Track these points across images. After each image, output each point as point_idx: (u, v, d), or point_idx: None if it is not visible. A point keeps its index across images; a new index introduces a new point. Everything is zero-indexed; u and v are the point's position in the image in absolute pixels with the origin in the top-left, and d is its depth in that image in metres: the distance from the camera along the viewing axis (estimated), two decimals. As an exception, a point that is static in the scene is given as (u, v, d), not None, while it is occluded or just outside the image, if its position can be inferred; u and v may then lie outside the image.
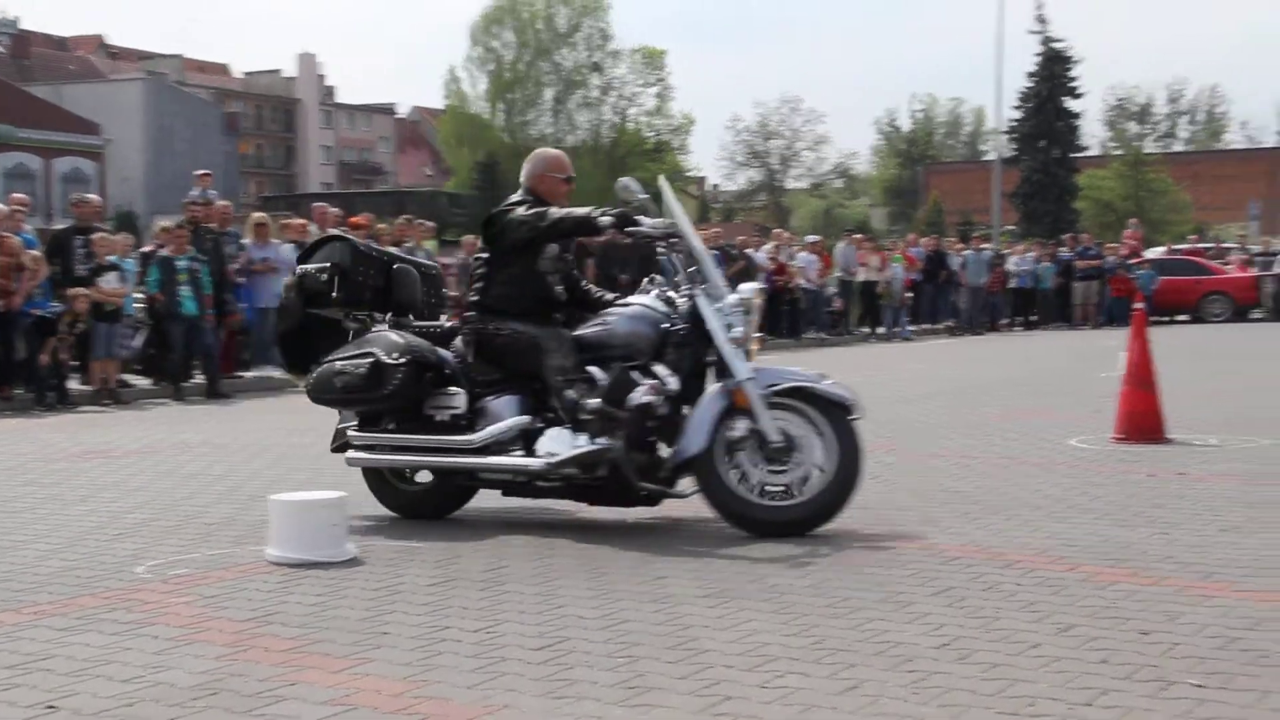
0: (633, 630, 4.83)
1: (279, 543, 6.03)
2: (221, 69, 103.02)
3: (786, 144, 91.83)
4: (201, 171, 18.71)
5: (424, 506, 7.21)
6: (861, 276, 26.51)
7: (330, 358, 7.14)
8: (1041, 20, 61.09)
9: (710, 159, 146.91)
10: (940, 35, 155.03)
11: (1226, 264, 32.69)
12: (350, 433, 7.22)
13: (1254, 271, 31.87)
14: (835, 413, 6.57)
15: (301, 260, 7.55)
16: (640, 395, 6.49)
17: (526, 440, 6.74)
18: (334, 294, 7.24)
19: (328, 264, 7.26)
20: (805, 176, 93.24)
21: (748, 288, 6.89)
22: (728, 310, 6.68)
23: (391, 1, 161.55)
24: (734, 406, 6.52)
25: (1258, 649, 4.46)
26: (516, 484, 6.89)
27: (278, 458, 9.80)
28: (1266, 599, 5.12)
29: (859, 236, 28.91)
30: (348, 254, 7.30)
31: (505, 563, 5.98)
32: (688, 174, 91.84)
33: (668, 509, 7.07)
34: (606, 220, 6.79)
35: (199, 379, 15.52)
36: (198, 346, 15.40)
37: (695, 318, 6.74)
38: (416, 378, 6.84)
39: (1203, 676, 4.16)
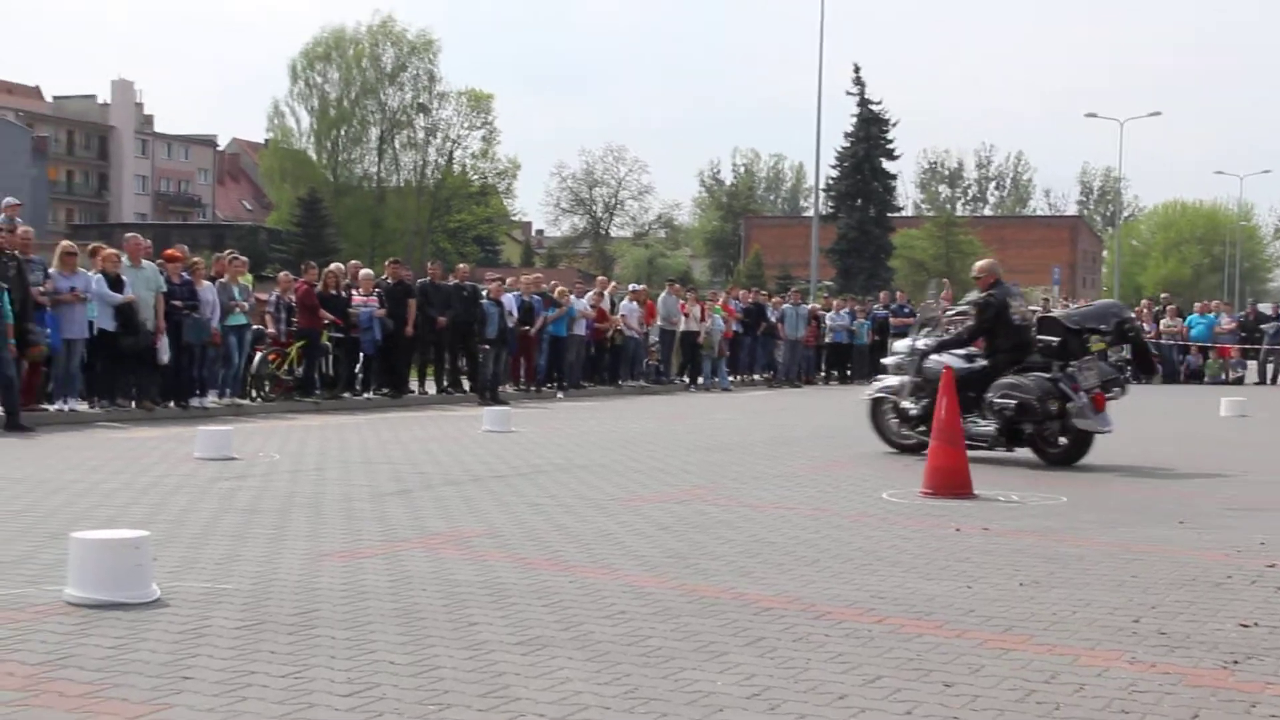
0: (444, 677, 4.78)
1: (79, 582, 5.81)
2: (32, 92, 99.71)
3: (611, 192, 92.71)
4: (11, 200, 18.03)
5: None
6: (683, 326, 26.81)
7: None
8: (859, 82, 62.98)
9: (535, 204, 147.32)
10: (764, 91, 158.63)
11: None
12: None
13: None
14: None
15: None
16: None
17: None
18: None
19: None
20: (629, 225, 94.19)
21: None
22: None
23: (214, 30, 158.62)
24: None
25: (1053, 700, 4.62)
26: None
27: (79, 494, 9.46)
28: (1063, 652, 5.30)
29: (680, 286, 29.27)
30: None
31: (317, 606, 5.87)
32: (513, 218, 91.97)
33: (479, 551, 7.02)
34: None
35: (-3, 411, 14.90)
36: (-3, 377, 14.78)
37: None
38: None
39: (1002, 726, 4.29)
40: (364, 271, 21.45)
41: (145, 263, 17.26)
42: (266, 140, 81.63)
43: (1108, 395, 12.40)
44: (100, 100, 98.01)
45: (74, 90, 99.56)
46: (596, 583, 6.51)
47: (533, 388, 23.36)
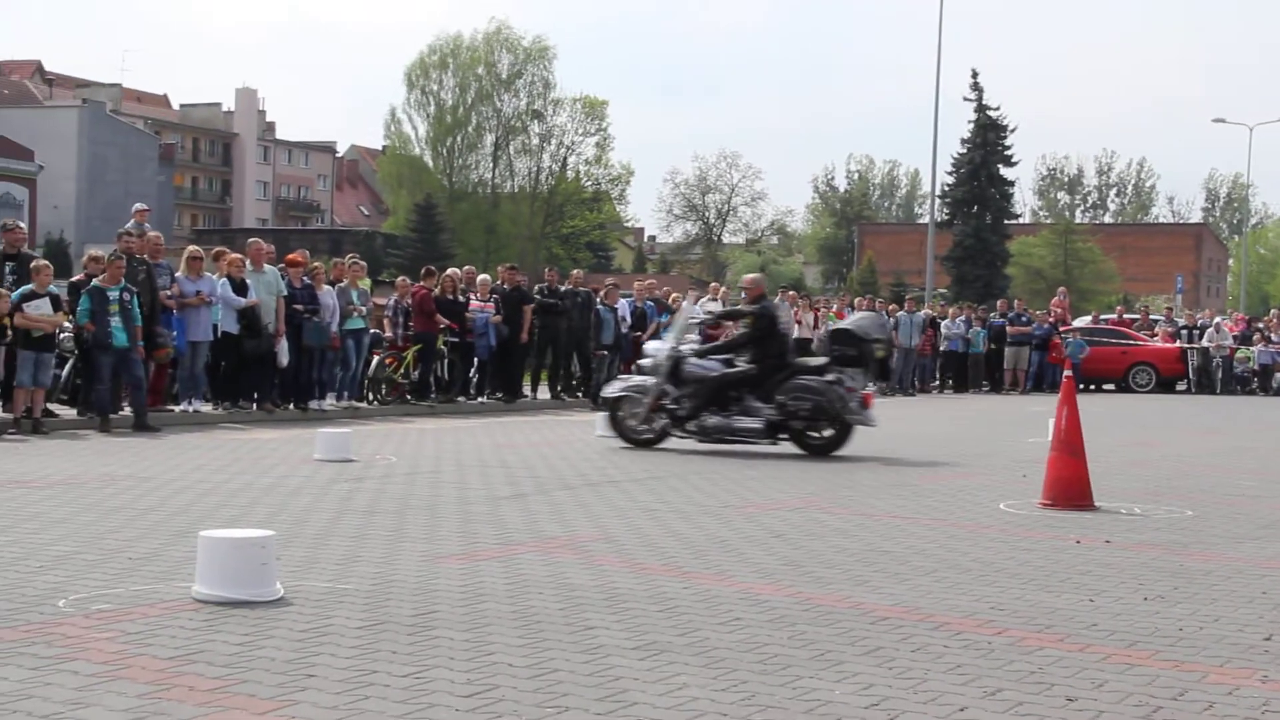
0: (562, 680, 4.81)
1: (206, 580, 5.95)
2: (160, 100, 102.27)
3: (724, 199, 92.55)
4: (140, 206, 18.52)
5: None
6: (796, 334, 26.64)
7: None
8: (976, 88, 62.21)
9: (648, 211, 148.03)
10: (879, 98, 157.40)
11: (1153, 335, 33.27)
12: None
13: (1180, 344, 32.44)
14: None
15: None
16: None
17: None
18: None
19: None
20: (741, 232, 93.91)
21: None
22: None
23: (335, 40, 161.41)
24: None
25: (1181, 719, 4.52)
26: None
27: (204, 493, 9.67)
28: (1191, 669, 5.18)
29: (794, 293, 29.10)
30: None
31: (435, 607, 5.93)
32: (625, 224, 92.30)
33: (595, 555, 7.07)
34: None
35: (127, 411, 15.31)
36: (127, 378, 15.20)
37: None
38: None
39: (1128, 743, 4.20)
40: (481, 277, 21.65)
41: (267, 267, 17.61)
42: (384, 147, 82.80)
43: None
44: (224, 108, 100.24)
45: (200, 98, 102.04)
46: (712, 589, 6.50)
47: (645, 393, 23.39)
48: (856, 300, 30.16)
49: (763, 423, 13.74)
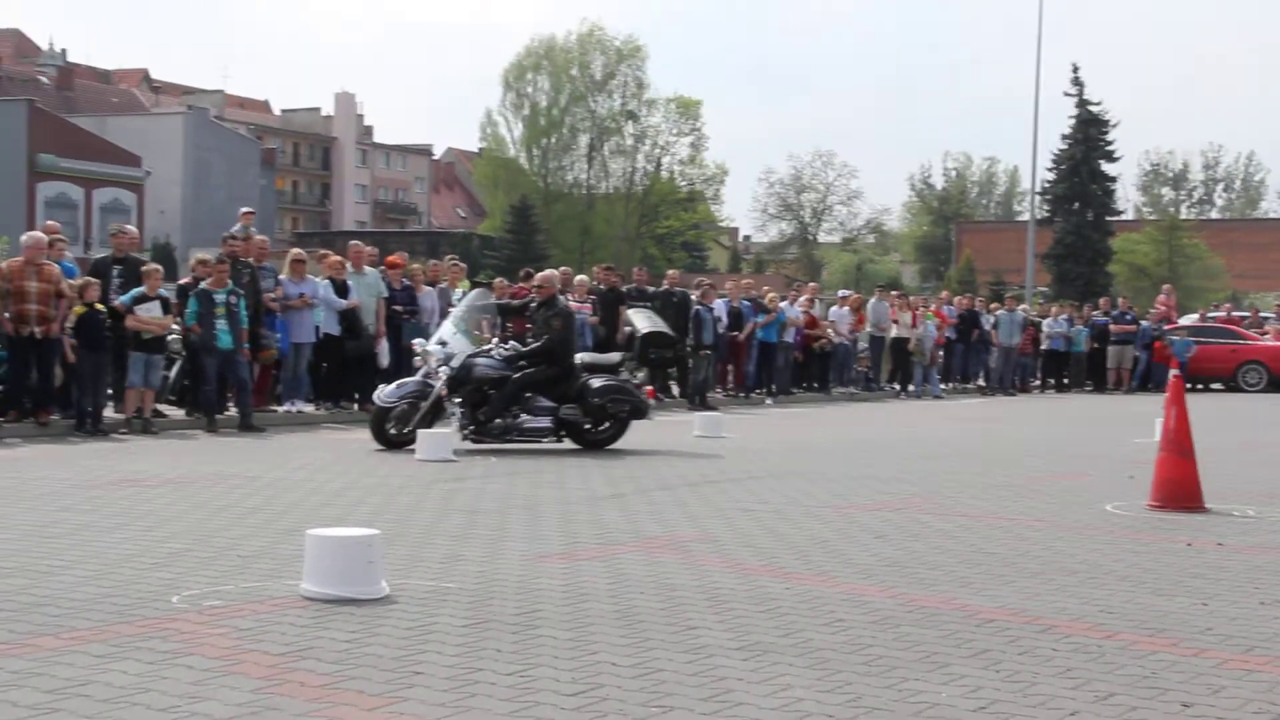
0: (666, 680, 4.81)
1: (314, 577, 6.03)
2: (261, 106, 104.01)
3: (819, 198, 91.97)
4: (246, 209, 18.87)
5: None
6: (893, 333, 26.47)
7: None
8: (1077, 83, 61.24)
9: (743, 210, 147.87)
10: (977, 94, 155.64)
11: (1263, 333, 32.50)
12: None
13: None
14: None
15: None
16: None
17: None
18: None
19: None
20: (837, 231, 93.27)
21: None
22: None
23: (430, 44, 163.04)
24: None
25: (1301, 724, 4.42)
26: None
27: (309, 492, 9.82)
28: (1308, 674, 5.06)
29: (892, 293, 28.88)
30: None
31: (538, 606, 5.97)
32: (720, 224, 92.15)
33: (696, 555, 7.06)
34: None
35: (232, 411, 15.59)
36: (232, 379, 15.48)
37: None
38: None
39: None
40: (578, 278, 21.75)
41: (368, 269, 17.84)
42: (480, 149, 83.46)
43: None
44: (324, 113, 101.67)
45: (300, 103, 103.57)
46: (814, 590, 6.47)
47: (741, 394, 23.36)
48: (957, 300, 29.82)
49: (550, 421, 13.66)
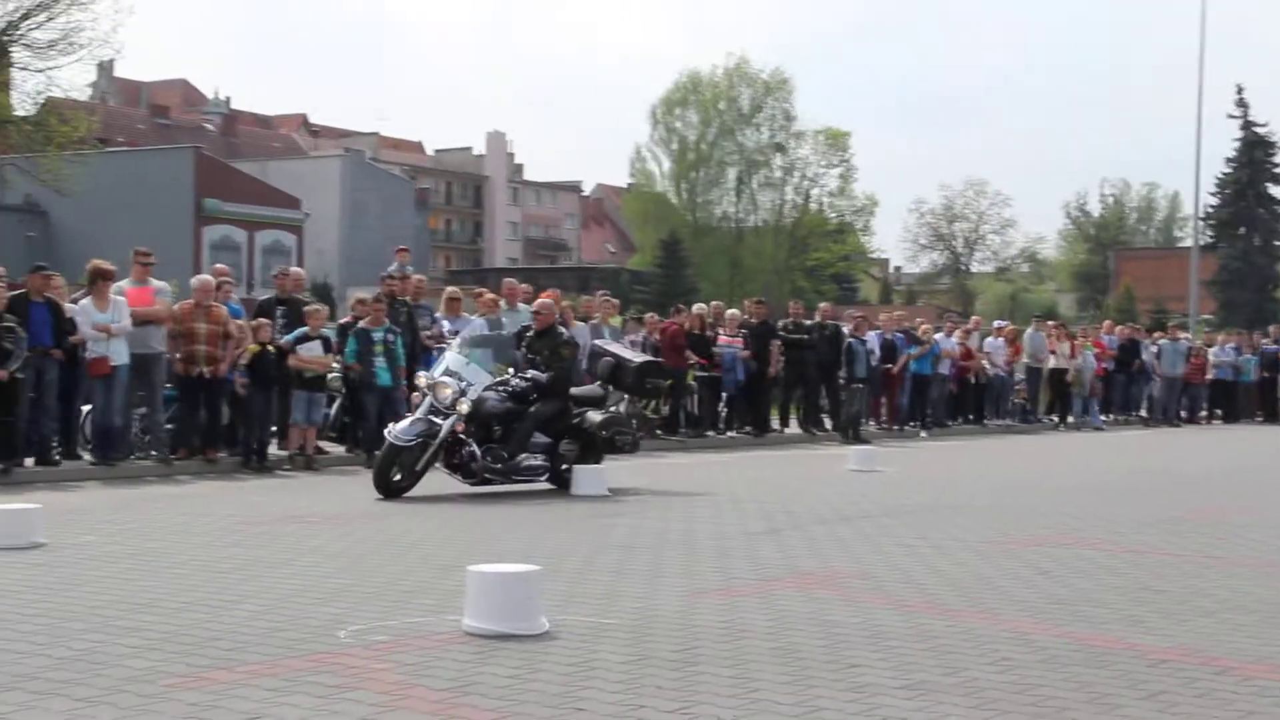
0: (829, 719, 4.75)
1: (476, 613, 6.10)
2: (415, 146, 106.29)
3: (971, 227, 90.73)
4: (401, 247, 19.28)
5: None
6: (1050, 364, 25.94)
7: None
8: (1242, 104, 59.62)
9: (893, 241, 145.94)
10: (1134, 119, 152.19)
11: None
12: None
13: None
14: None
15: None
16: None
17: None
18: None
19: None
20: (990, 260, 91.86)
21: None
22: None
23: (577, 82, 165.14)
24: None
25: None
26: None
27: (465, 527, 9.95)
28: None
29: (1050, 323, 28.29)
30: None
31: (698, 643, 5.95)
32: (870, 255, 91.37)
33: (855, 592, 6.98)
34: None
35: (390, 447, 15.86)
36: (391, 417, 15.74)
37: None
38: None
39: None
40: (730, 312, 21.74)
41: (521, 306, 18.05)
42: (629, 184, 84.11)
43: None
44: (475, 152, 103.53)
45: (451, 143, 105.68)
46: (977, 628, 6.35)
47: (895, 426, 23.08)
48: (1118, 329, 29.10)
49: (544, 459, 12.60)
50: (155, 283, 15.18)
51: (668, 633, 6.18)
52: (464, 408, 12.03)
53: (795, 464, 16.78)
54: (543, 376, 12.68)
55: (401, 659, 5.60)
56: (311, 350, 15.21)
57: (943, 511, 11.27)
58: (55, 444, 14.19)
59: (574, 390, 13.22)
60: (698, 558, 8.56)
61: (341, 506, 11.39)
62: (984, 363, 24.81)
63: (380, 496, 11.81)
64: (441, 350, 13.29)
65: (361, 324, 15.69)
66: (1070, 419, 26.06)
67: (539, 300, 14.36)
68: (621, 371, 13.37)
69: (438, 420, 12.12)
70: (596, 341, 15.80)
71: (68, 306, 14.23)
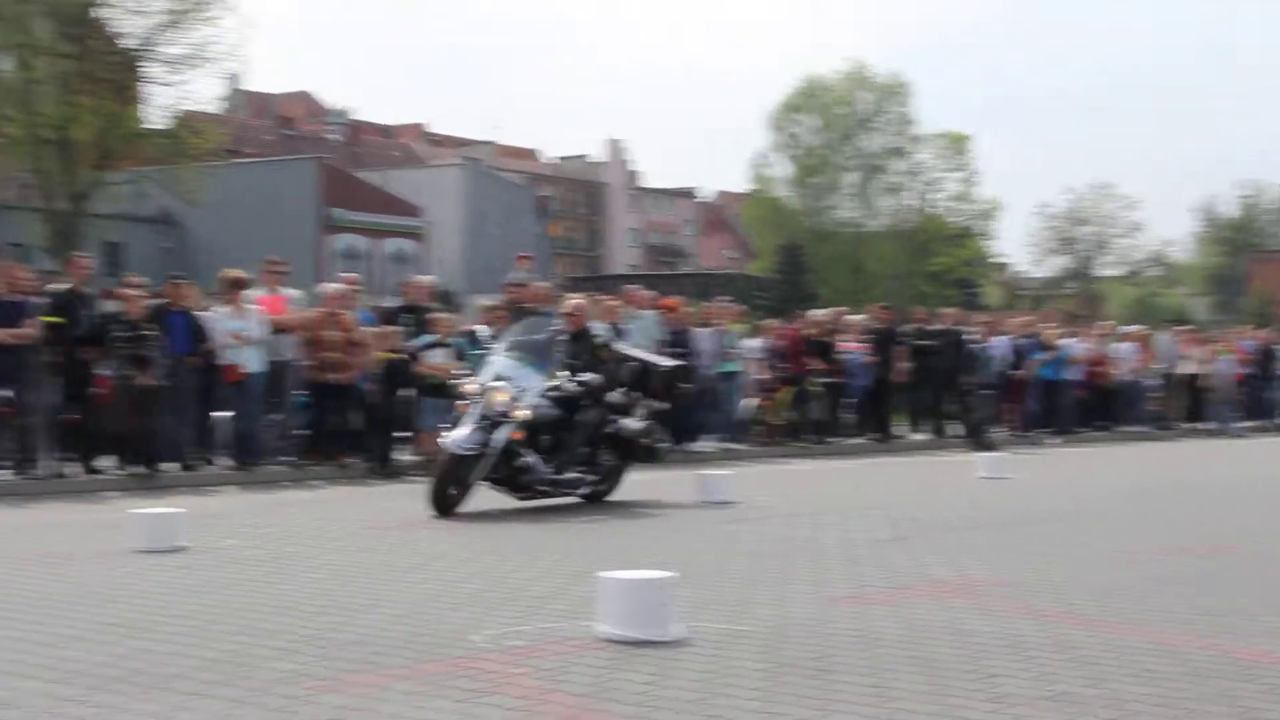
0: (971, 730, 4.68)
1: (610, 619, 6.12)
2: (531, 154, 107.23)
3: (1098, 231, 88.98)
4: (523, 255, 19.47)
5: None
6: (1185, 369, 25.32)
7: None
8: (1382, 101, 57.66)
9: (1017, 245, 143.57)
10: (1265, 118, 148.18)
11: None
12: None
13: None
14: None
15: None
16: None
17: None
18: None
19: None
20: (1118, 264, 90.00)
21: None
22: None
23: (695, 88, 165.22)
24: None
25: None
26: None
27: (593, 531, 9.99)
28: None
29: (1185, 328, 27.62)
30: None
31: (833, 651, 5.90)
32: (993, 260, 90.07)
33: (990, 600, 6.87)
34: None
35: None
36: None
37: None
38: None
39: None
40: (853, 317, 21.59)
41: (644, 312, 18.10)
42: (750, 190, 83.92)
43: None
44: (592, 159, 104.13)
45: (567, 151, 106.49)
46: (1119, 639, 6.21)
47: (1024, 433, 22.71)
48: (1257, 333, 28.33)
49: (584, 470, 11.74)
50: (286, 291, 15.52)
51: (802, 640, 6.14)
52: (523, 414, 11.11)
53: (922, 470, 16.60)
54: (598, 379, 11.90)
55: (537, 664, 5.63)
56: (436, 357, 15.41)
57: (1076, 518, 11.06)
58: (193, 449, 14.56)
59: (610, 398, 12.11)
60: (827, 565, 8.50)
61: (470, 511, 11.48)
62: (1114, 368, 24.27)
63: (435, 514, 10.89)
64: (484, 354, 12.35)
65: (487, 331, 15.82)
66: (1206, 425, 25.40)
67: (571, 301, 13.80)
68: (649, 377, 12.63)
69: (489, 430, 11.09)
70: (619, 345, 14.33)
71: (202, 315, 14.60)
